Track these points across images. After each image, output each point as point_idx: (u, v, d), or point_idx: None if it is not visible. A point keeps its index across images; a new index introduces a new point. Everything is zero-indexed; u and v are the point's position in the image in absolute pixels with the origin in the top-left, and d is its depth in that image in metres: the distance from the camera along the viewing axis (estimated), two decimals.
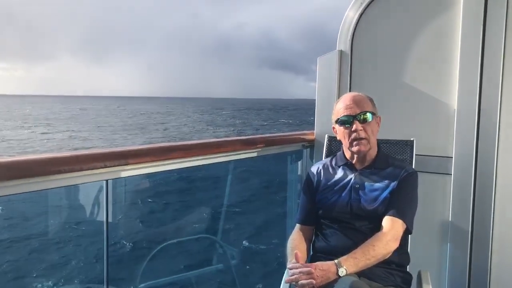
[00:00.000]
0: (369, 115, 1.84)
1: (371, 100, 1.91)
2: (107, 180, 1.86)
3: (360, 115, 1.83)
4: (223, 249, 3.52)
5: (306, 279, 1.50)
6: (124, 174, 1.86)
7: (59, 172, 1.56)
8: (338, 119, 1.87)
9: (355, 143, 1.84)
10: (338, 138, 1.94)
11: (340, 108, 1.87)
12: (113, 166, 1.77)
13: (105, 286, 1.95)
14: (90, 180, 1.72)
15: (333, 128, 1.95)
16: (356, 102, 1.85)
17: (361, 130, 1.82)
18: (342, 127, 1.86)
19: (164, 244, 3.24)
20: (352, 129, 1.82)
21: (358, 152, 1.85)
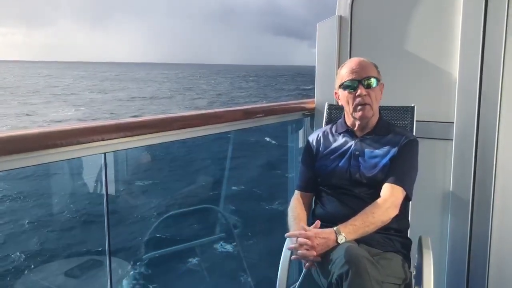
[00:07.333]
0: (373, 81, 1.81)
1: (376, 67, 1.87)
2: (105, 153, 1.85)
3: (365, 80, 1.80)
4: (225, 219, 3.56)
5: (306, 249, 1.51)
6: (122, 146, 1.84)
7: (56, 145, 1.55)
8: (342, 83, 1.84)
9: (359, 108, 1.81)
10: (340, 103, 1.91)
11: (345, 72, 1.83)
12: (111, 138, 1.75)
13: (107, 258, 1.97)
14: (87, 154, 1.71)
15: (335, 93, 1.92)
16: (361, 66, 1.82)
17: (365, 95, 1.78)
18: (346, 92, 1.83)
19: (167, 214, 3.28)
20: (357, 94, 1.79)
21: (361, 117, 1.82)
